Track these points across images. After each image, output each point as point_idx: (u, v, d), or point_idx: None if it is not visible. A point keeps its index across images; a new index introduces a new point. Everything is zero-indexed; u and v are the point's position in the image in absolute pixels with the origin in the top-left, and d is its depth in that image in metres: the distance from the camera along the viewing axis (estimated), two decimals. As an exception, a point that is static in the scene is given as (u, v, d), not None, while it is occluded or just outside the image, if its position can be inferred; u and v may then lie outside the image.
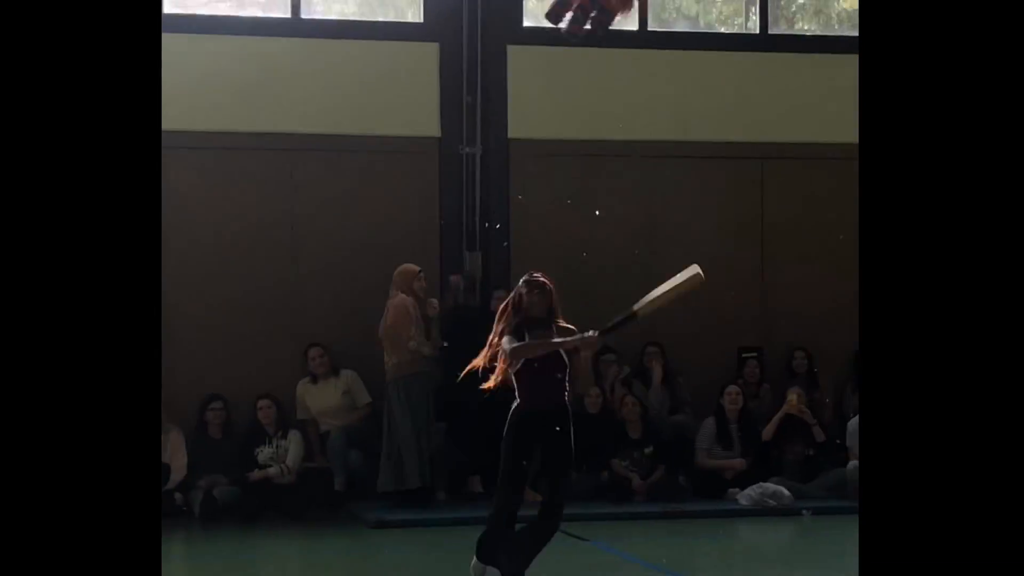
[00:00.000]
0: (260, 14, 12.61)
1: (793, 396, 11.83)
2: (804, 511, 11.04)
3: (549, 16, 4.76)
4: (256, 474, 11.29)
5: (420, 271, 11.31)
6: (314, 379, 11.89)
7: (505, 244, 12.13)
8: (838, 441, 11.76)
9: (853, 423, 11.62)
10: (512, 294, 7.66)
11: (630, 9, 4.77)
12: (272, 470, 11.33)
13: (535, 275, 7.64)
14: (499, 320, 7.55)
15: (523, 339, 7.42)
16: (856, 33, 13.15)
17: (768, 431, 11.82)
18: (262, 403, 11.49)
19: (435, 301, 11.38)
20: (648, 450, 11.56)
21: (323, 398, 11.87)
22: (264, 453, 11.41)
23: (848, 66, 12.81)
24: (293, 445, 11.48)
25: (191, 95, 11.41)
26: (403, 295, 11.21)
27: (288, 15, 12.28)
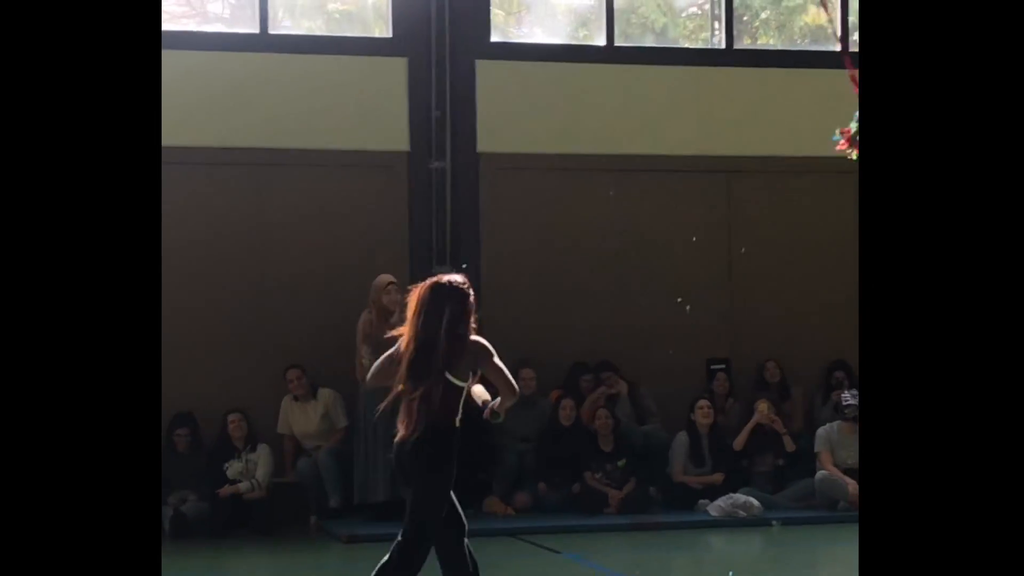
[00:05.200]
0: (227, 29, 12.60)
1: (763, 406, 11.89)
2: (774, 521, 11.11)
3: None
4: (226, 489, 11.24)
5: (390, 283, 11.23)
6: (295, 398, 11.85)
7: (465, 265, 12.02)
8: (816, 450, 11.77)
9: (822, 431, 11.72)
10: None
11: None
12: (242, 485, 11.28)
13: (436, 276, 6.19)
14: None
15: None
16: (817, 48, 13.43)
17: (739, 441, 11.87)
18: (232, 417, 11.43)
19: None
20: (621, 462, 11.60)
21: (305, 420, 11.81)
22: (233, 468, 11.36)
23: (811, 79, 13.03)
24: (262, 459, 11.42)
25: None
26: (366, 312, 11.21)
27: (256, 31, 12.27)
